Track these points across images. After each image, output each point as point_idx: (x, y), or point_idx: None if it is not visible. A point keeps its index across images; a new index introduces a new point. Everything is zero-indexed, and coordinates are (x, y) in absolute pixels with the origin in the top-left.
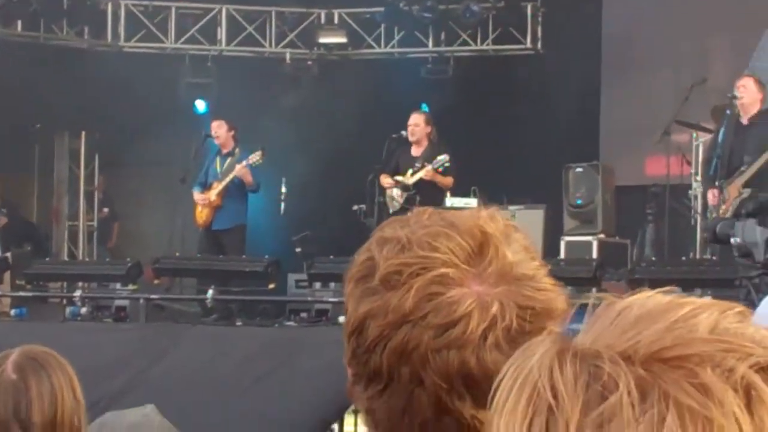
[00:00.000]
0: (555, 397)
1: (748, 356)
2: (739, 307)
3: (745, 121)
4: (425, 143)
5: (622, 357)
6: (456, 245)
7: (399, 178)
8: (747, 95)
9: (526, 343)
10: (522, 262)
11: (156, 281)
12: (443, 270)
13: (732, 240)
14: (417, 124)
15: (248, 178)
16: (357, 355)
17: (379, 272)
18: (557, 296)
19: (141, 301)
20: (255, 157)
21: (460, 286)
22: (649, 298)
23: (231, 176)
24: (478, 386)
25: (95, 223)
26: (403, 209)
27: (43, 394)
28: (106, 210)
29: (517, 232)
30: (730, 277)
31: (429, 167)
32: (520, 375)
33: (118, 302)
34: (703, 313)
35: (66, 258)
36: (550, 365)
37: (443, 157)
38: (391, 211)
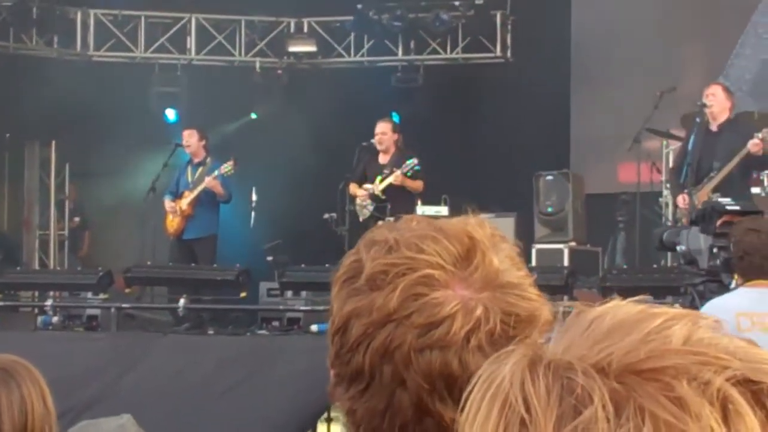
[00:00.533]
0: (528, 410)
1: (724, 369)
2: (712, 318)
3: (714, 128)
4: (393, 150)
5: (595, 369)
6: (443, 249)
7: (368, 186)
8: (716, 103)
9: (496, 353)
10: (508, 270)
11: (127, 290)
12: (429, 271)
13: (678, 248)
14: (384, 132)
15: (219, 189)
16: (340, 355)
17: (366, 272)
18: (542, 306)
19: (112, 310)
20: (226, 168)
21: (445, 288)
22: (621, 308)
23: (202, 187)
24: (459, 388)
25: (66, 232)
26: (374, 218)
27: (13, 403)
28: (77, 219)
29: (504, 241)
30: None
31: (398, 172)
32: (491, 386)
33: (90, 311)
34: (677, 324)
35: (37, 267)
36: (521, 377)
37: (412, 161)
38: (361, 219)
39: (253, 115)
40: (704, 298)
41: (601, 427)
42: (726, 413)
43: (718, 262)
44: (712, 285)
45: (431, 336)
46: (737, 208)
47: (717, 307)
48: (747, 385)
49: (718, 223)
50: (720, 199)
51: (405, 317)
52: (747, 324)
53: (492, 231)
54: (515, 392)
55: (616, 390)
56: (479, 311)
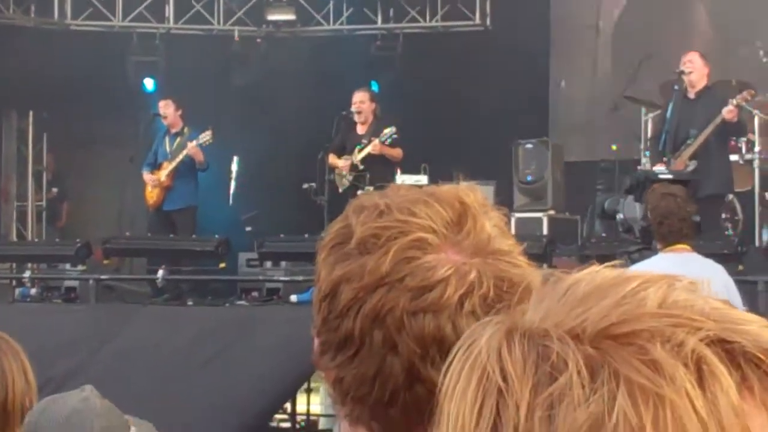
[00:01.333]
0: (504, 379)
1: (697, 330)
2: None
3: (692, 95)
4: (371, 120)
5: (570, 335)
6: (435, 213)
7: (347, 158)
8: (694, 70)
9: (473, 326)
10: (498, 237)
11: (105, 261)
12: (422, 234)
13: (617, 216)
14: (362, 102)
15: (200, 157)
16: (328, 321)
17: (356, 236)
18: (533, 272)
19: (91, 281)
20: (205, 137)
21: (437, 252)
22: (597, 274)
23: (182, 155)
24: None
25: (44, 203)
26: (353, 187)
27: None
28: (55, 190)
29: (493, 210)
30: None
31: (376, 141)
32: (469, 358)
33: (68, 283)
34: (652, 287)
35: (15, 238)
36: (498, 346)
37: (390, 129)
38: (340, 189)
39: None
40: None
41: (576, 393)
42: (701, 374)
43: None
44: (647, 252)
45: (425, 299)
46: (670, 176)
47: None
48: (722, 345)
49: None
50: (655, 168)
51: (398, 280)
52: None
53: (482, 199)
54: (492, 362)
55: (591, 355)
56: (473, 275)
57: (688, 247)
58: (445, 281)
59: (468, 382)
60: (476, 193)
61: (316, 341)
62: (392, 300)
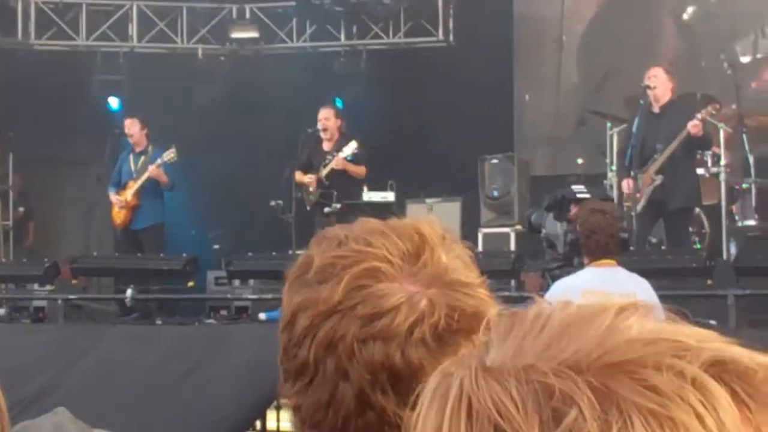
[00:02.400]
0: (505, 419)
1: (694, 356)
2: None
3: (656, 110)
4: (337, 137)
5: (566, 368)
6: (392, 244)
7: (312, 175)
8: (659, 84)
9: (435, 371)
10: (457, 269)
11: (74, 281)
12: (376, 263)
13: (542, 231)
14: (327, 118)
15: (163, 178)
16: (287, 349)
17: (314, 266)
18: (489, 304)
19: (59, 301)
20: (169, 155)
21: (391, 281)
22: (564, 307)
23: (145, 176)
24: (402, 382)
25: (11, 223)
26: (320, 204)
27: None
28: (21, 209)
29: (456, 243)
30: (647, 267)
31: (339, 156)
32: (448, 401)
33: (36, 303)
34: (631, 316)
35: None
36: (486, 386)
37: (351, 144)
38: (308, 207)
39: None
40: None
41: (590, 427)
42: (704, 395)
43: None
44: (568, 269)
45: (374, 327)
46: (587, 195)
47: (565, 286)
48: (714, 367)
49: (571, 211)
50: (573, 187)
51: (350, 308)
52: (593, 301)
53: (443, 232)
54: (484, 403)
55: (596, 387)
56: (423, 304)
57: (613, 262)
58: (396, 309)
59: (456, 424)
60: (436, 226)
61: (280, 369)
62: (344, 327)
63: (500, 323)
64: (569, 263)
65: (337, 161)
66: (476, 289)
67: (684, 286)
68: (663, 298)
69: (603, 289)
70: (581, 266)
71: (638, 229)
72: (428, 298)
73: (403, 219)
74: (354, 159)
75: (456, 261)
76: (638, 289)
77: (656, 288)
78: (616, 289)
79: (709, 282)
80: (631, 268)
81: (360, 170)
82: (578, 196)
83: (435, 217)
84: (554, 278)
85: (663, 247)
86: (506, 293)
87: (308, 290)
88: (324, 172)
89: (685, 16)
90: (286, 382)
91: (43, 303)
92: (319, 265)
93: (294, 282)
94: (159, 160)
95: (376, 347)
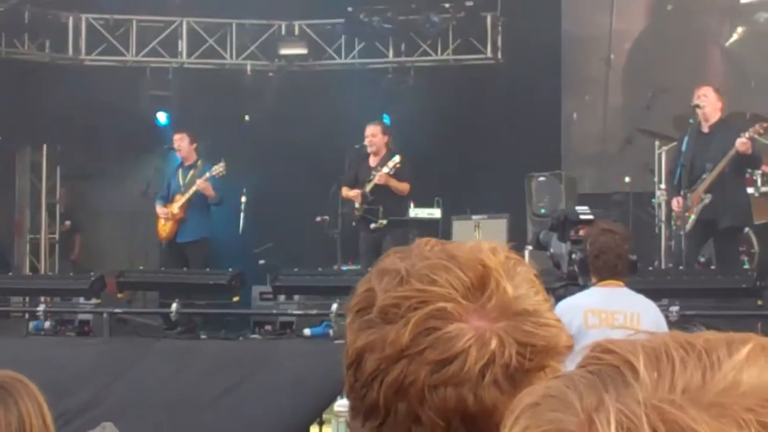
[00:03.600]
0: None
1: None
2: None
3: (705, 129)
4: (383, 153)
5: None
6: (455, 278)
7: (357, 190)
8: (708, 104)
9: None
10: (524, 296)
11: (119, 295)
12: (441, 304)
13: (549, 250)
14: (374, 135)
15: (210, 192)
16: (355, 388)
17: (378, 305)
18: (559, 332)
19: (105, 315)
20: (218, 169)
21: (458, 321)
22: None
23: (193, 190)
24: (476, 424)
25: (57, 236)
26: (365, 220)
27: (11, 422)
28: (68, 223)
29: (521, 265)
30: (697, 287)
31: (381, 171)
32: None
33: (82, 316)
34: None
35: (28, 271)
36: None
37: (394, 158)
38: (354, 223)
39: (246, 117)
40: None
41: None
42: None
43: (575, 267)
44: (573, 288)
45: (445, 372)
46: (590, 217)
47: (568, 305)
48: None
49: (573, 232)
50: (577, 208)
51: (418, 353)
52: (594, 321)
53: (506, 255)
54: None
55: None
56: (494, 344)
57: (620, 283)
58: (466, 352)
59: None
60: (499, 254)
61: (348, 403)
62: (413, 373)
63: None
64: (574, 283)
65: (380, 177)
66: (545, 315)
67: (734, 306)
68: (713, 318)
69: (606, 309)
70: (587, 286)
71: (687, 248)
72: (497, 335)
73: (465, 246)
74: (396, 175)
75: (522, 286)
76: (642, 309)
77: (706, 308)
78: (619, 308)
79: (760, 302)
80: (681, 288)
81: (403, 186)
82: (581, 217)
83: (498, 242)
84: (558, 298)
85: (712, 267)
86: None
87: (373, 331)
88: (368, 187)
89: (735, 36)
90: (355, 419)
91: (88, 316)
92: (382, 305)
93: (357, 319)
94: (207, 174)
95: (448, 392)
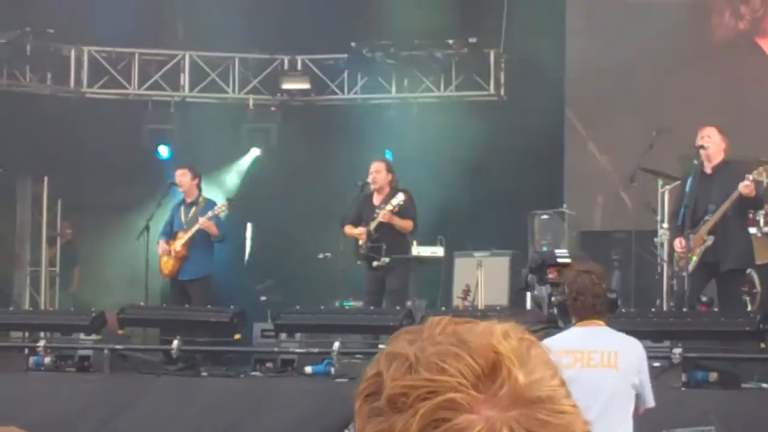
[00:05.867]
0: None
1: None
2: None
3: (708, 170)
4: (387, 190)
5: None
6: (466, 366)
7: (361, 228)
8: (712, 144)
9: None
10: (538, 382)
11: (120, 332)
12: (451, 395)
13: (533, 292)
14: (378, 171)
15: (213, 230)
16: None
17: (386, 392)
18: (575, 418)
19: (105, 351)
20: (220, 208)
21: (468, 411)
22: None
23: (195, 228)
24: None
25: (57, 269)
26: (368, 258)
27: None
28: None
29: (535, 347)
30: (700, 330)
31: (385, 209)
32: None
33: (82, 352)
34: None
35: (28, 304)
36: None
37: (398, 196)
38: (358, 261)
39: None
40: None
41: None
42: None
43: (554, 310)
44: (553, 330)
45: None
46: (567, 260)
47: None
48: None
49: (550, 274)
50: (556, 251)
51: None
52: (569, 360)
53: (521, 337)
54: None
55: None
56: None
57: (600, 323)
58: None
59: None
60: (511, 337)
61: None
62: None
63: None
64: (555, 326)
65: (384, 215)
66: (560, 401)
67: (737, 349)
68: (715, 361)
69: (582, 349)
70: (566, 328)
71: (689, 289)
72: (509, 425)
73: (477, 328)
74: (400, 212)
75: (537, 370)
76: (621, 348)
77: (709, 350)
78: (596, 347)
79: (763, 345)
80: (684, 330)
81: (406, 224)
82: (558, 260)
83: (512, 324)
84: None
85: (714, 308)
86: None
87: (382, 420)
88: (372, 225)
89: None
90: None
91: (88, 352)
92: (390, 393)
93: (365, 405)
94: (210, 213)
95: None
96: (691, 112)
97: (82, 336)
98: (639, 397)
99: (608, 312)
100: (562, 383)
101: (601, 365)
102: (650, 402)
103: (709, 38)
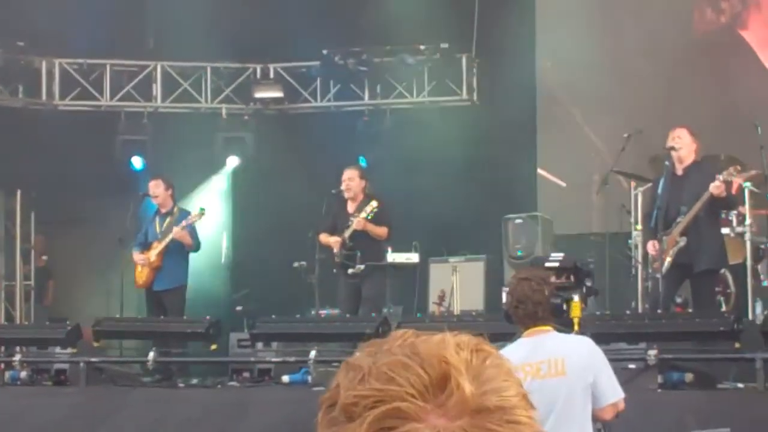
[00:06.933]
0: None
1: None
2: None
3: (680, 171)
4: (361, 198)
5: None
6: (414, 376)
7: (336, 237)
8: (683, 146)
9: None
10: (489, 392)
11: (96, 344)
12: (398, 404)
13: None
14: (351, 179)
15: (187, 240)
16: None
17: (340, 402)
18: (530, 429)
19: (81, 364)
20: (194, 217)
21: (416, 420)
22: None
23: (170, 237)
24: None
25: (33, 282)
26: (344, 265)
27: None
28: (44, 258)
29: (492, 358)
30: (675, 331)
31: (359, 216)
32: None
33: (58, 365)
34: None
35: (3, 318)
36: None
37: (372, 203)
38: (334, 269)
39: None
40: None
41: None
42: None
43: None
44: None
45: None
46: (555, 264)
47: None
48: None
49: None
50: (552, 254)
51: None
52: (520, 375)
53: (476, 348)
54: None
55: None
56: None
57: (546, 328)
58: None
59: None
60: (464, 351)
61: None
62: None
63: None
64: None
65: (358, 222)
66: (513, 412)
67: (712, 350)
68: (691, 362)
69: (530, 361)
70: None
71: (664, 291)
72: None
73: (433, 340)
74: (374, 219)
75: (492, 381)
76: (570, 351)
77: (684, 351)
78: (543, 357)
79: (737, 345)
80: (659, 332)
81: (381, 231)
82: (546, 264)
83: (467, 335)
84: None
85: (689, 309)
86: None
87: (336, 429)
88: (347, 233)
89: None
90: None
91: (64, 366)
92: (343, 403)
93: (325, 415)
94: (184, 222)
95: None
96: (666, 113)
97: (58, 349)
98: (598, 394)
99: (552, 317)
100: (520, 394)
101: (549, 375)
102: (615, 394)
103: (689, 36)
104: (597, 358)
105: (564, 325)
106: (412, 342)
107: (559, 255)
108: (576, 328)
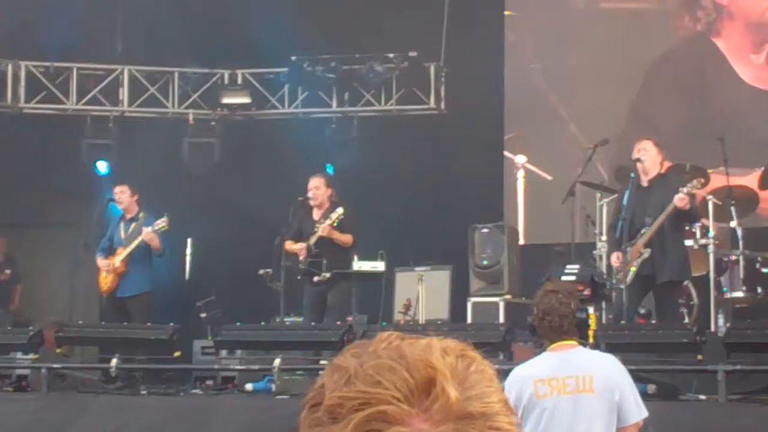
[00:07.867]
0: None
1: None
2: None
3: (645, 183)
4: (327, 205)
5: None
6: (400, 380)
7: (301, 244)
8: (648, 158)
9: None
10: (472, 398)
11: (58, 350)
12: (383, 407)
13: None
14: (317, 187)
15: (155, 243)
16: None
17: (325, 403)
18: None
19: (43, 370)
20: (161, 224)
21: (400, 424)
22: None
23: (137, 241)
24: None
25: None
26: (309, 273)
27: None
28: (8, 272)
29: (476, 364)
30: (638, 342)
31: (325, 223)
32: None
33: (19, 371)
34: None
35: None
36: None
37: (338, 210)
38: (298, 276)
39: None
40: None
41: None
42: None
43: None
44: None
45: None
46: (573, 278)
47: (519, 375)
48: None
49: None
50: (568, 266)
51: None
52: (545, 390)
53: (461, 354)
54: None
55: None
56: None
57: (572, 343)
58: None
59: None
60: (450, 356)
61: None
62: None
63: None
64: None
65: (323, 229)
66: (496, 418)
67: (674, 361)
68: (654, 373)
69: (556, 376)
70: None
71: (627, 301)
72: None
73: (419, 344)
74: (340, 227)
75: (476, 387)
76: (598, 368)
77: (646, 363)
78: (570, 373)
79: (700, 357)
80: (622, 343)
81: (346, 239)
82: (561, 277)
83: (455, 341)
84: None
85: (652, 320)
86: (496, 366)
87: (320, 429)
88: (312, 240)
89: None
90: None
91: (26, 371)
92: (328, 405)
93: (308, 415)
94: (150, 227)
95: None
96: (628, 124)
97: (19, 355)
98: (623, 413)
99: (578, 331)
100: (502, 400)
101: (577, 391)
102: (639, 414)
103: (667, 44)
104: (624, 376)
105: (581, 337)
106: (398, 345)
107: (575, 267)
108: (591, 340)
